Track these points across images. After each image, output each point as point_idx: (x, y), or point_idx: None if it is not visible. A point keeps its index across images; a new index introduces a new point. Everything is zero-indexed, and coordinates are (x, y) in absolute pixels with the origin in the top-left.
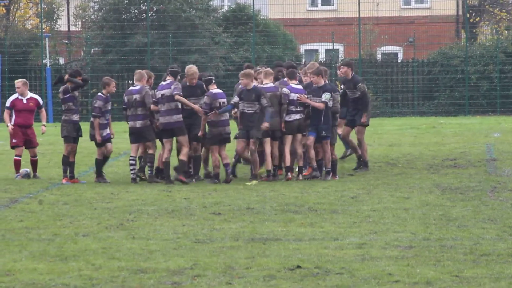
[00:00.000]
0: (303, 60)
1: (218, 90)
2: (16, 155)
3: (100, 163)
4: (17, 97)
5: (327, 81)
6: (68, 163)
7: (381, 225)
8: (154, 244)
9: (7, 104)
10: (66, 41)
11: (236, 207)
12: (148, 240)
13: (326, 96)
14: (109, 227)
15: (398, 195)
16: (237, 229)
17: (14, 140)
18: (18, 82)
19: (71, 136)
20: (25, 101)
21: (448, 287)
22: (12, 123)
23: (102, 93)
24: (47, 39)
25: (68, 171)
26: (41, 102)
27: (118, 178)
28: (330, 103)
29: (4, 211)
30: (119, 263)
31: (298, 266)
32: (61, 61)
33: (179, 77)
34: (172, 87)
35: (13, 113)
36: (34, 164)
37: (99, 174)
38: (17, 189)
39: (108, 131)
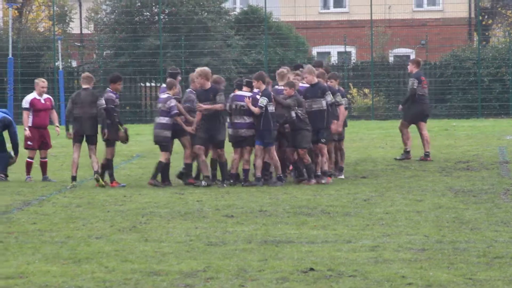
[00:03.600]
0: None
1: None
2: (29, 157)
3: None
4: (35, 97)
5: (336, 85)
6: (110, 166)
7: (394, 228)
8: (167, 246)
9: (25, 105)
10: (79, 44)
11: (249, 210)
12: (161, 242)
13: (262, 100)
14: (122, 230)
15: (411, 197)
16: (249, 232)
17: (29, 143)
18: (45, 82)
19: (113, 139)
20: (43, 101)
21: None
22: (30, 124)
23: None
24: (59, 41)
25: (106, 174)
26: (53, 103)
27: (130, 180)
28: (271, 108)
29: (17, 213)
30: (132, 266)
31: (311, 269)
32: (74, 63)
33: (179, 78)
34: (170, 103)
35: (31, 113)
36: (43, 165)
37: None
38: (30, 192)
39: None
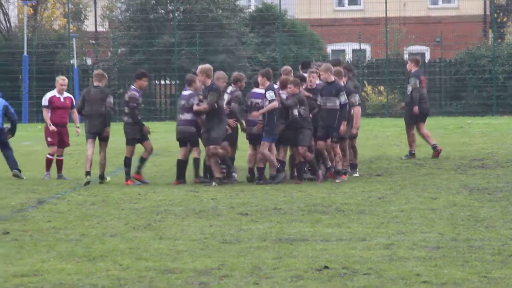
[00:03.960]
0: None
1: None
2: (49, 154)
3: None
4: (55, 95)
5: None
6: (128, 164)
7: (408, 226)
8: (182, 244)
9: (45, 102)
10: (93, 42)
11: (263, 208)
12: (176, 240)
13: (271, 94)
14: (136, 228)
15: (426, 195)
16: (264, 230)
17: (49, 139)
18: (65, 80)
19: (136, 138)
20: (62, 99)
21: None
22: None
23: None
24: (74, 39)
25: (129, 172)
26: (74, 102)
27: (145, 178)
28: (276, 103)
29: (32, 211)
30: (146, 263)
31: (326, 267)
32: (88, 61)
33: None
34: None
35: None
36: (59, 163)
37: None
38: (45, 190)
39: None
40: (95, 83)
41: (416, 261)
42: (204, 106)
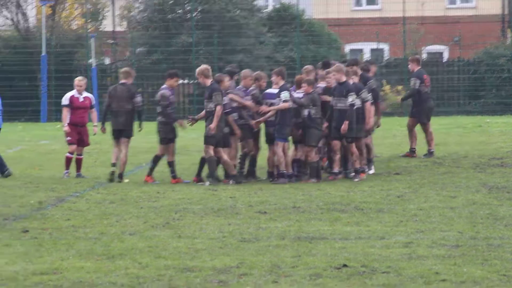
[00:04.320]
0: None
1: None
2: (69, 152)
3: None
4: (74, 95)
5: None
6: (155, 161)
7: (427, 224)
8: (200, 242)
9: (65, 102)
10: (112, 41)
11: (282, 206)
12: (194, 239)
13: (285, 94)
14: (155, 226)
15: (445, 194)
16: (283, 228)
17: (69, 138)
18: (81, 81)
19: (168, 137)
20: (81, 99)
21: (495, 286)
22: (67, 121)
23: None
24: (92, 39)
25: (152, 170)
26: (93, 101)
27: (164, 177)
28: (290, 103)
29: (51, 210)
30: (165, 262)
31: (345, 265)
32: (107, 61)
33: (236, 77)
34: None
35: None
36: (78, 162)
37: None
38: (64, 188)
39: None
40: (122, 81)
41: (435, 259)
42: (217, 109)
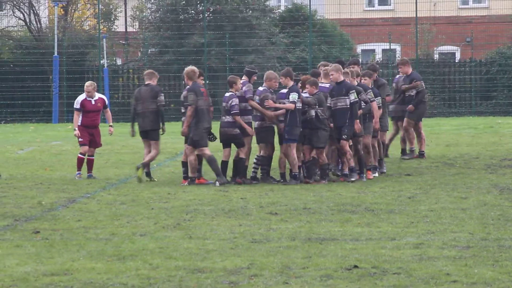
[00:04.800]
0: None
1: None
2: (80, 153)
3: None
4: (85, 98)
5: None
6: (200, 162)
7: (438, 225)
8: (211, 243)
9: (76, 105)
10: (124, 42)
11: (293, 207)
12: (205, 240)
13: (293, 96)
14: (166, 227)
15: (456, 195)
16: (293, 229)
17: (80, 139)
18: (89, 87)
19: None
20: (93, 102)
21: None
22: (79, 124)
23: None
24: (104, 40)
25: (199, 172)
26: (107, 102)
27: (174, 178)
28: (299, 104)
29: (62, 210)
30: (176, 263)
31: (355, 266)
32: (119, 61)
33: (254, 78)
34: (244, 88)
35: (81, 113)
36: (89, 163)
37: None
38: (75, 189)
39: None
40: (146, 82)
41: (446, 260)
42: (188, 109)
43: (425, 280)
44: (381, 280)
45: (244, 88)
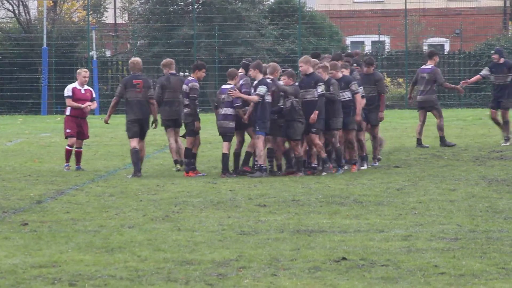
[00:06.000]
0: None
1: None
2: (68, 145)
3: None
4: (76, 86)
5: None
6: (191, 155)
7: (426, 217)
8: (200, 235)
9: (68, 93)
10: (113, 34)
11: (281, 199)
12: (194, 232)
13: (261, 89)
14: (154, 219)
15: (444, 187)
16: (282, 221)
17: (68, 130)
18: (86, 73)
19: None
20: (83, 91)
21: (494, 279)
22: (68, 113)
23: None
24: (93, 31)
25: (189, 164)
26: (94, 95)
27: (163, 170)
28: (268, 98)
29: (51, 202)
30: (164, 255)
31: (344, 258)
32: (108, 53)
33: (251, 70)
34: (241, 81)
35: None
36: (78, 155)
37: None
38: (64, 181)
39: None
40: (171, 71)
41: (434, 252)
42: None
43: (413, 272)
44: (369, 272)
45: (241, 82)
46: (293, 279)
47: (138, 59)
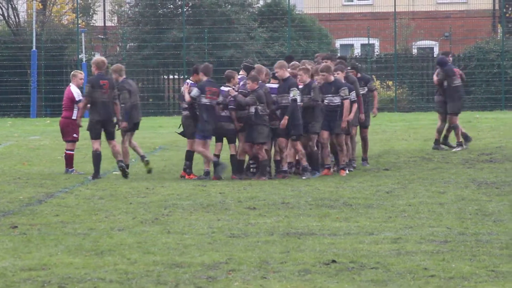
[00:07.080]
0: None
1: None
2: (70, 150)
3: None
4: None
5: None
6: (191, 157)
7: (416, 220)
8: (189, 238)
9: (79, 97)
10: (102, 37)
11: (271, 202)
12: (183, 234)
13: (195, 92)
14: (144, 222)
15: (434, 189)
16: (272, 224)
17: (75, 135)
18: (82, 74)
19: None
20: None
21: (483, 282)
22: (73, 117)
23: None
24: (83, 34)
25: (190, 166)
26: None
27: (153, 172)
28: (205, 101)
29: (40, 205)
30: (154, 258)
31: (333, 261)
32: (97, 56)
33: (253, 73)
34: (242, 83)
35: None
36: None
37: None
38: (53, 184)
39: None
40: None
41: (424, 255)
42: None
43: (402, 275)
44: (359, 274)
45: (241, 83)
46: (283, 282)
47: (103, 58)
